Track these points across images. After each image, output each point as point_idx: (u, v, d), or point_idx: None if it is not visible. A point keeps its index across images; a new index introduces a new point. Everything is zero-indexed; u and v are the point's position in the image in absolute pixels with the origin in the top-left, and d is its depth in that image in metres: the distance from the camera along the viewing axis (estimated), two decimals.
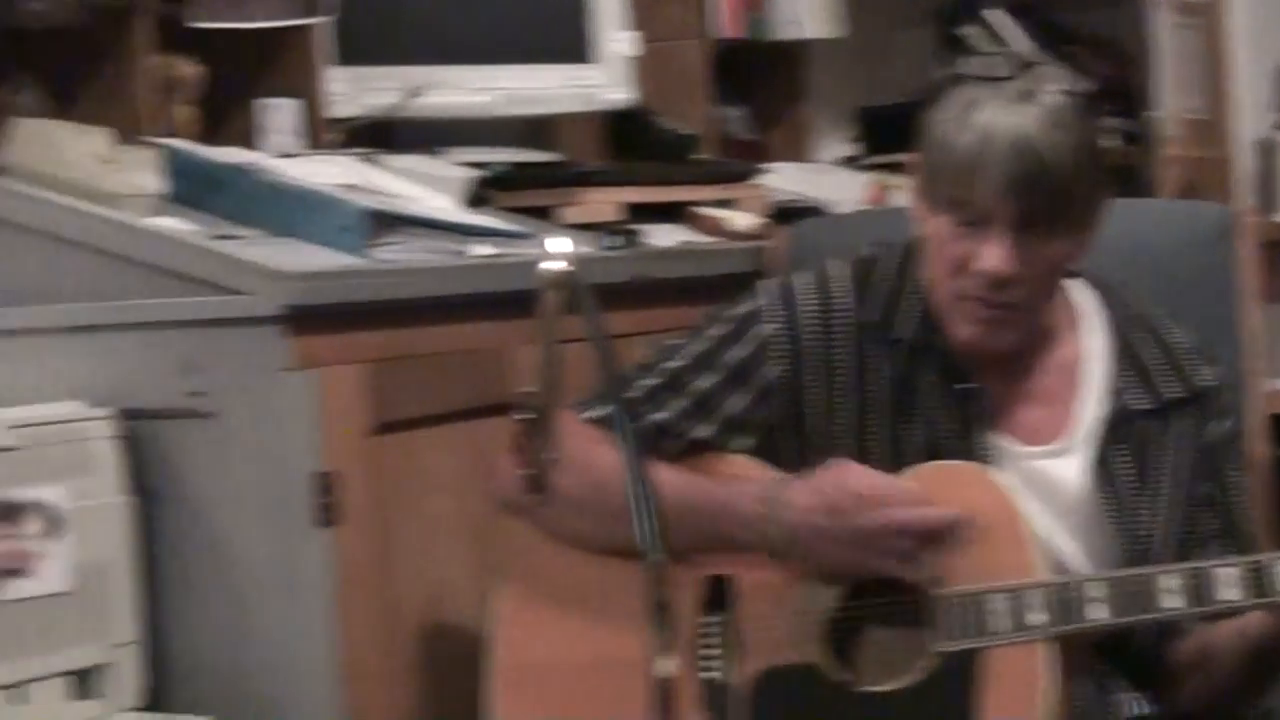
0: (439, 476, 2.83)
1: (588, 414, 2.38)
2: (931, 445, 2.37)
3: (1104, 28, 4.83)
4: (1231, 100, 4.77)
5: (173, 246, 2.77)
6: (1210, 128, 4.71)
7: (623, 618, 2.29)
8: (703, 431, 2.42)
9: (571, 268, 1.99)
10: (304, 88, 3.35)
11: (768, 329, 2.43)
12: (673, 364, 2.45)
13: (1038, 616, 2.23)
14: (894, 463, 2.36)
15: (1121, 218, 2.43)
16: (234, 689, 2.74)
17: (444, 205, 3.15)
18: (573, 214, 3.34)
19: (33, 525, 2.62)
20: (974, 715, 2.22)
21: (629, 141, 3.85)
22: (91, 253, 2.82)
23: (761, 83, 4.53)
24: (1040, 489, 2.36)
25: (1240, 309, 2.76)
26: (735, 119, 4.45)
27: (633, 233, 3.29)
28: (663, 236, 3.38)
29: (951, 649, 2.25)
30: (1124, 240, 2.54)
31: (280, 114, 3.29)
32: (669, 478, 2.28)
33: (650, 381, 2.44)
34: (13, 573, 2.59)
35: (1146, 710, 2.39)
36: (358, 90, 3.40)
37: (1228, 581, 2.21)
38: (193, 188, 2.95)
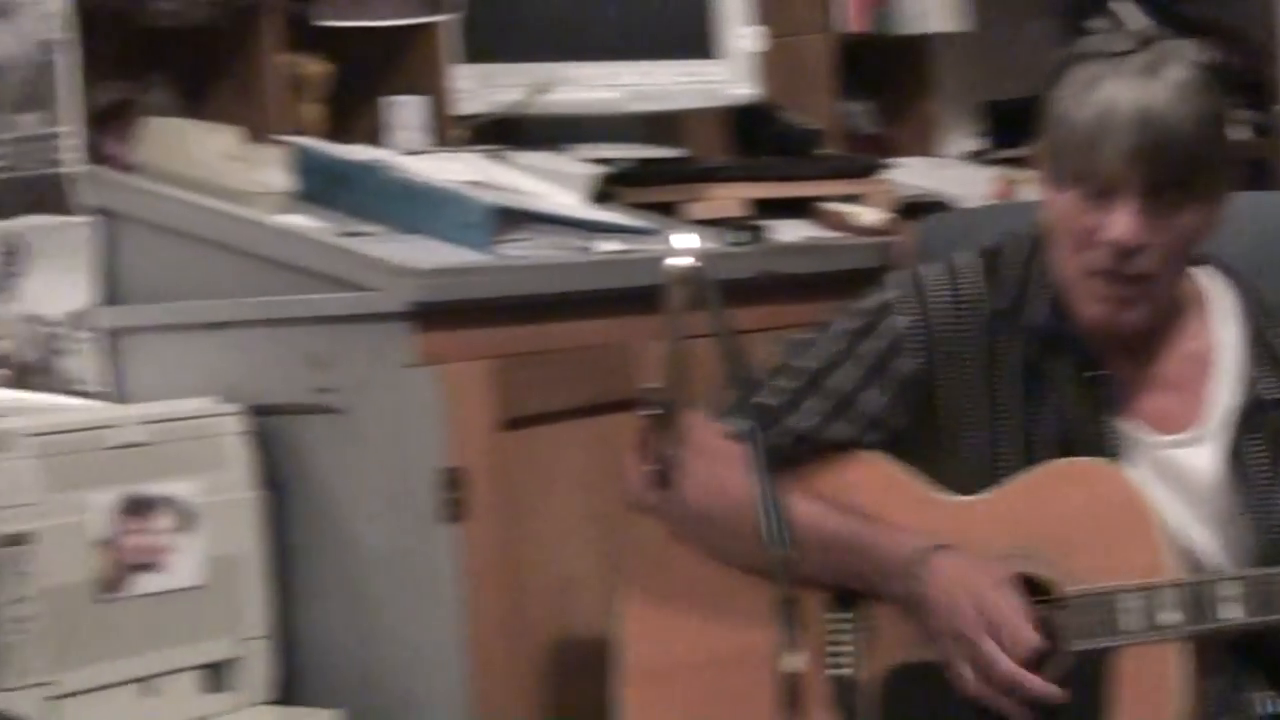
0: (565, 472, 2.84)
1: (723, 425, 2.36)
2: (1062, 434, 2.35)
3: (1233, 19, 4.77)
4: None
5: (301, 243, 2.79)
6: None
7: (751, 613, 2.28)
8: (842, 433, 2.41)
9: (697, 263, 1.98)
10: (430, 85, 3.37)
11: (901, 321, 2.42)
12: (807, 363, 2.43)
13: (1171, 616, 2.21)
14: (1025, 452, 2.34)
15: (1251, 210, 2.40)
16: (363, 683, 2.75)
17: (569, 201, 3.15)
18: (698, 210, 3.34)
19: (164, 520, 2.64)
20: (1106, 715, 2.20)
21: (754, 137, 3.84)
22: (221, 250, 2.84)
23: (887, 77, 4.50)
24: (1172, 478, 2.33)
25: None
26: (861, 114, 4.43)
27: (758, 228, 3.28)
28: (788, 232, 3.37)
29: (1084, 648, 2.23)
30: (1254, 232, 2.51)
31: (407, 111, 3.31)
32: (808, 510, 2.27)
33: (785, 383, 2.42)
34: (145, 567, 2.62)
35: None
36: (484, 87, 3.41)
37: None
38: (321, 185, 2.97)
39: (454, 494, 2.68)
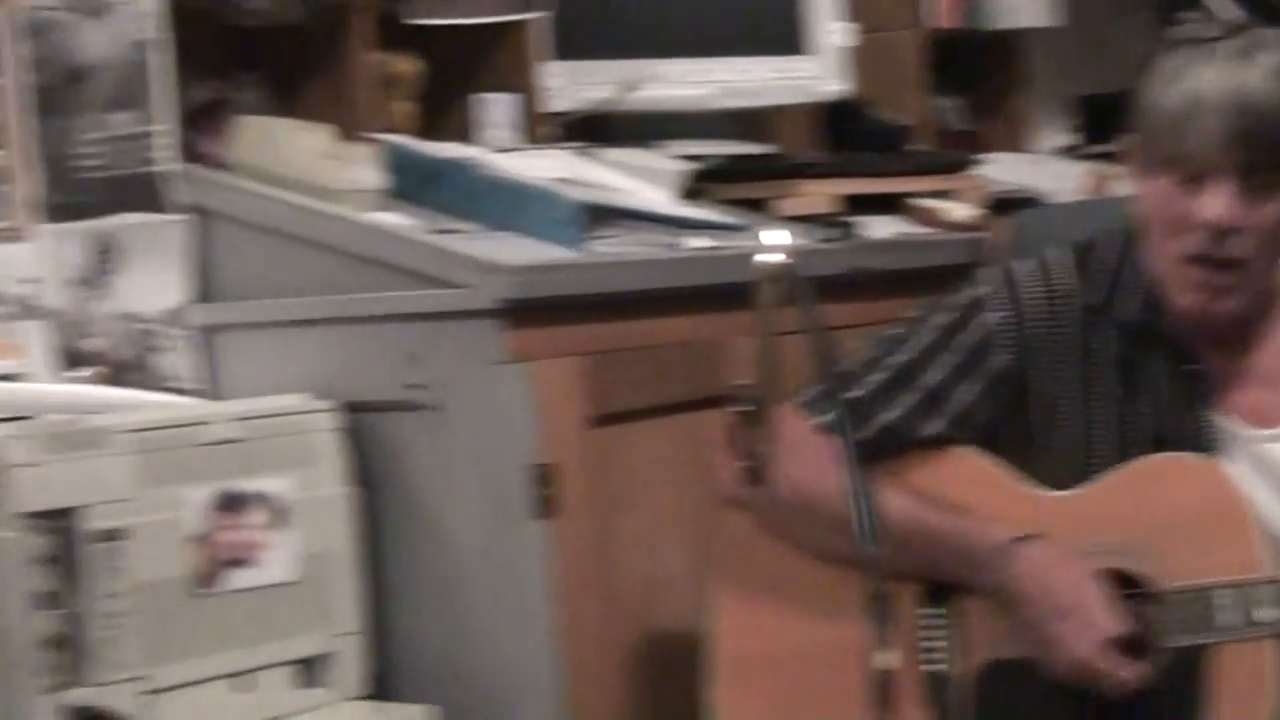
0: (656, 469, 2.84)
1: (813, 418, 2.36)
2: (1157, 429, 2.34)
3: None
4: None
5: (393, 241, 2.80)
6: None
7: (843, 609, 2.28)
8: (933, 427, 2.40)
9: (788, 260, 1.98)
10: (521, 82, 3.37)
11: (993, 317, 2.41)
12: (898, 358, 2.43)
13: (1268, 612, 2.19)
14: (1119, 447, 2.33)
15: None
16: (455, 678, 2.76)
17: (659, 198, 3.15)
18: (788, 206, 3.33)
19: (258, 516, 2.66)
20: (1201, 711, 2.18)
21: (844, 133, 3.84)
22: (313, 248, 2.86)
23: (978, 72, 4.48)
24: (1268, 473, 2.31)
25: None
26: (951, 109, 4.41)
27: (849, 224, 3.27)
28: (879, 228, 3.36)
29: (1179, 644, 2.22)
30: None
31: (497, 109, 3.31)
32: (899, 502, 2.27)
33: (876, 377, 2.42)
34: (238, 563, 2.63)
35: None
36: (574, 84, 3.42)
37: None
38: (412, 183, 2.98)
39: (545, 490, 2.69)
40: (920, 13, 4.18)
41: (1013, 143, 4.43)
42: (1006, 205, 3.49)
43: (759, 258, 1.98)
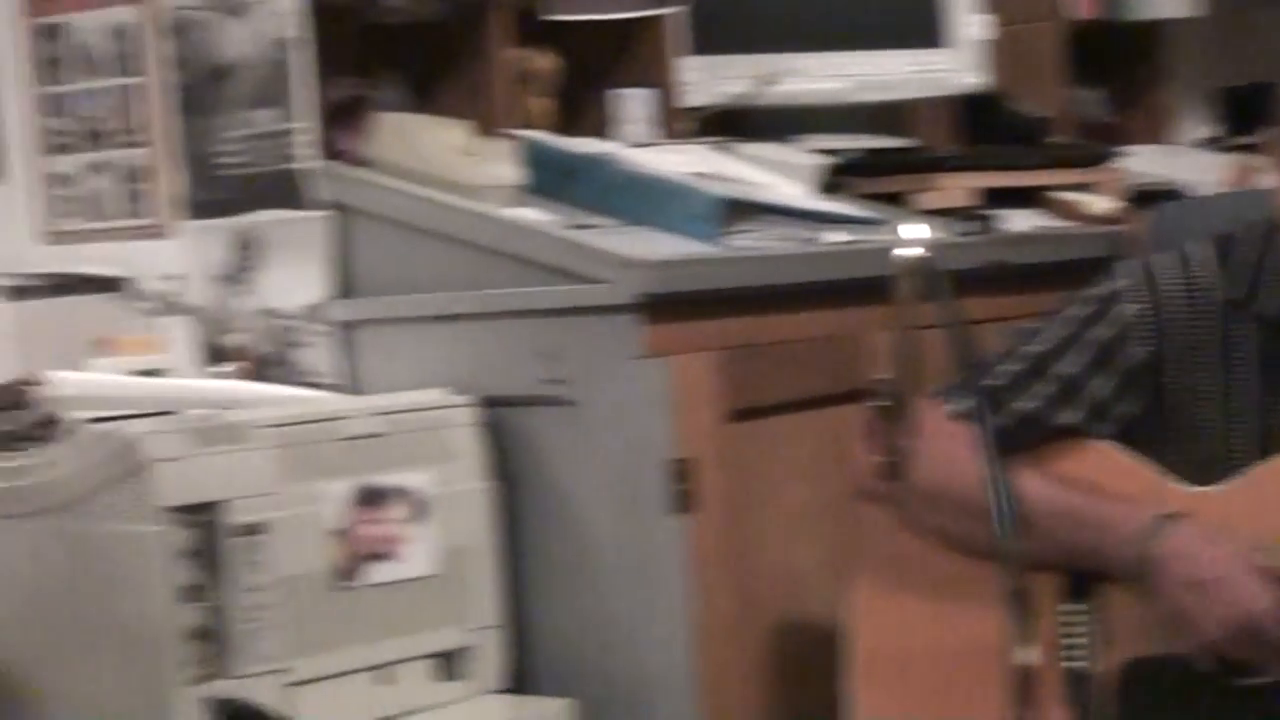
0: (793, 464, 2.83)
1: (949, 405, 2.35)
2: None
3: None
4: None
5: (530, 236, 2.81)
6: None
7: (983, 605, 2.25)
8: (1068, 418, 2.38)
9: (926, 254, 1.97)
10: (657, 78, 3.38)
11: (1130, 310, 2.39)
12: (1034, 348, 2.41)
13: None
14: (1261, 444, 2.30)
15: None
16: (593, 673, 2.77)
17: (797, 192, 3.15)
18: (926, 200, 3.32)
19: (398, 510, 2.68)
20: None
21: (983, 126, 3.81)
22: (452, 243, 2.87)
23: (1119, 64, 4.44)
24: None
25: None
26: (1091, 101, 4.37)
27: (987, 218, 3.25)
28: (1018, 221, 3.34)
29: None
30: None
31: (634, 104, 3.32)
32: (1038, 485, 2.25)
33: (1012, 368, 2.40)
34: (378, 556, 2.65)
35: None
36: (710, 79, 3.42)
37: None
38: (549, 178, 2.99)
39: (682, 485, 2.69)
40: (1059, 4, 4.15)
41: (1153, 135, 4.38)
42: (1147, 198, 3.46)
43: (897, 252, 1.97)
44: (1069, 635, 2.31)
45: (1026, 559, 1.91)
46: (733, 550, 2.75)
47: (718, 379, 2.74)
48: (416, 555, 2.69)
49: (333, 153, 3.02)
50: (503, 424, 2.82)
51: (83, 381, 2.83)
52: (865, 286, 2.38)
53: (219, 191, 3.06)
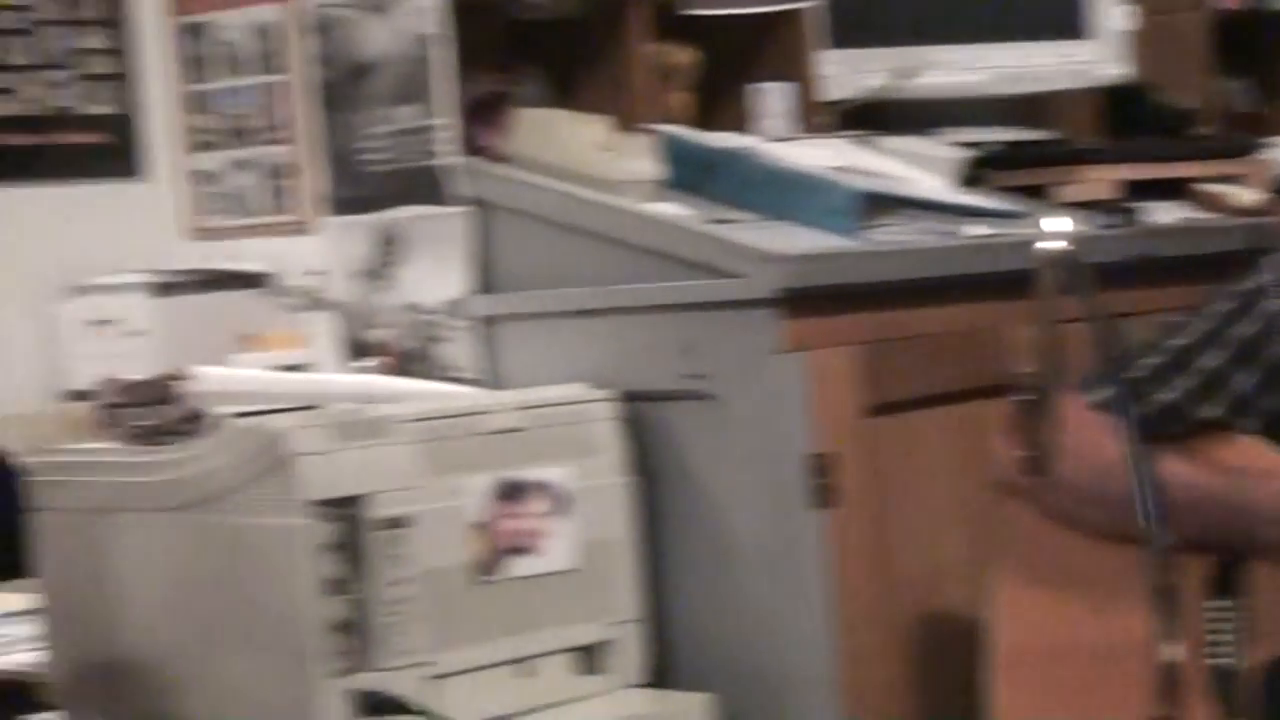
0: (934, 458, 2.82)
1: (1090, 396, 2.34)
2: None
3: None
4: None
5: (670, 231, 2.81)
6: None
7: (1127, 601, 2.24)
8: (1210, 411, 2.36)
9: (1069, 247, 1.96)
10: (796, 71, 3.37)
11: (1275, 305, 2.36)
12: (1177, 342, 2.39)
13: None
14: None
15: None
16: (734, 667, 2.77)
17: (937, 186, 3.13)
18: (1069, 192, 3.29)
19: (539, 505, 2.69)
20: None
21: (1126, 117, 3.78)
22: (592, 238, 2.88)
23: (1266, 53, 4.39)
24: None
25: None
26: (1237, 92, 4.32)
27: (1131, 210, 3.22)
28: (1163, 214, 3.30)
29: None
30: None
31: (773, 98, 3.32)
32: (1183, 468, 2.23)
33: (1155, 361, 2.39)
34: (519, 550, 2.66)
35: None
36: (850, 72, 3.41)
37: None
38: (689, 173, 3.00)
39: (823, 480, 2.68)
40: None
41: None
42: None
43: (1039, 245, 1.96)
44: (1215, 632, 2.29)
45: (1175, 545, 1.89)
46: (873, 545, 2.74)
47: (857, 373, 2.73)
48: (557, 549, 2.70)
49: (473, 148, 3.03)
50: (642, 419, 2.82)
51: (227, 377, 2.86)
52: (1006, 280, 2.37)
53: (361, 188, 3.09)
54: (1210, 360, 2.36)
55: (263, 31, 3.22)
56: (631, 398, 2.82)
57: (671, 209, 2.87)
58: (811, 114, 3.36)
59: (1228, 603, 2.30)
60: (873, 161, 3.14)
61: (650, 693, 2.78)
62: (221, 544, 2.58)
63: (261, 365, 3.01)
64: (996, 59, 3.57)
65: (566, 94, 3.27)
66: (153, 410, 2.71)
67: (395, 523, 2.54)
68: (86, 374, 3.04)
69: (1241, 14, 4.21)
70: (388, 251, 3.07)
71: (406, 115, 3.03)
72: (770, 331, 2.70)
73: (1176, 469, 2.20)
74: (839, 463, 2.69)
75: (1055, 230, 1.97)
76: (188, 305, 3.24)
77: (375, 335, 3.10)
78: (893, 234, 2.85)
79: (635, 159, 2.96)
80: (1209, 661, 2.27)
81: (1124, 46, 3.68)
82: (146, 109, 3.40)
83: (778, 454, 2.71)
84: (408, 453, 2.57)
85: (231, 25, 3.26)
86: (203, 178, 3.33)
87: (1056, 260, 1.95)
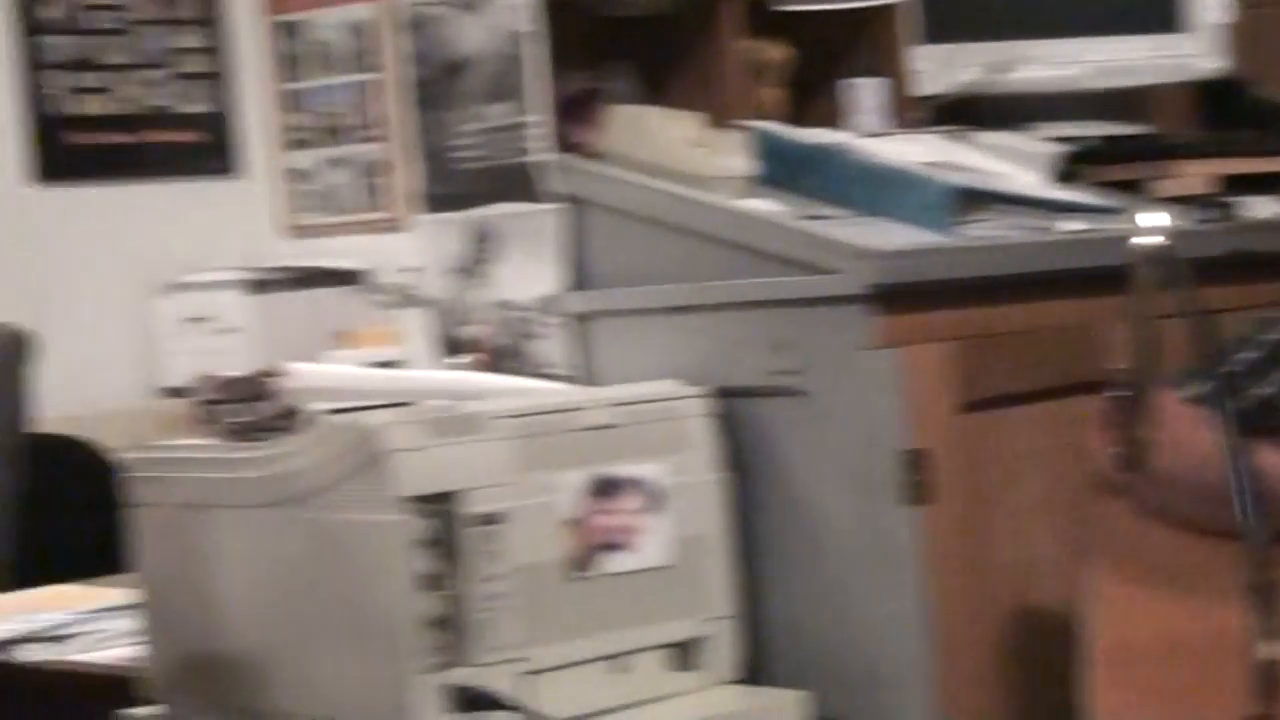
0: (1029, 455, 2.81)
1: (1185, 391, 2.32)
2: None
3: None
4: None
5: (763, 227, 2.81)
6: None
7: (1226, 598, 2.23)
8: None
9: (1166, 242, 1.94)
10: (890, 67, 3.36)
11: None
12: (1274, 336, 2.37)
13: None
14: None
15: None
16: (828, 664, 2.76)
17: (1032, 181, 3.11)
18: (1165, 187, 3.26)
19: (632, 501, 2.69)
20: None
21: (1223, 111, 3.75)
22: (684, 235, 2.88)
23: None
24: None
25: None
26: None
27: (1229, 205, 3.20)
28: (1259, 208, 3.27)
29: None
30: None
31: (866, 93, 3.31)
32: (1277, 459, 2.21)
33: (1251, 355, 2.37)
34: (613, 546, 2.67)
35: None
36: (943, 67, 3.40)
37: None
38: (782, 169, 2.99)
39: (916, 476, 2.67)
40: None
41: None
42: None
43: (1136, 240, 1.95)
44: None
45: (1272, 539, 1.88)
46: (968, 541, 2.73)
47: (951, 370, 2.72)
48: (650, 545, 2.70)
49: (566, 145, 3.04)
50: (735, 415, 2.82)
51: (322, 373, 2.88)
52: (1102, 276, 2.36)
53: (454, 185, 3.10)
54: None
55: (357, 30, 3.24)
56: (724, 394, 2.82)
57: (764, 205, 2.86)
58: (905, 109, 3.35)
59: None
60: (967, 157, 3.13)
61: (744, 689, 2.78)
62: (316, 540, 2.59)
63: (355, 362, 3.03)
64: (1091, 53, 3.55)
65: (659, 90, 3.27)
66: (248, 407, 2.73)
67: (489, 519, 2.55)
68: (182, 370, 3.07)
69: None
70: (481, 248, 3.08)
71: (499, 112, 3.03)
72: (863, 328, 2.69)
73: (1274, 463, 2.18)
74: (932, 459, 2.69)
75: (1151, 225, 1.96)
76: (282, 302, 3.26)
77: (468, 332, 3.11)
78: (987, 230, 2.84)
79: (728, 155, 2.96)
80: None
81: (1220, 40, 3.65)
82: (242, 107, 3.43)
83: (870, 450, 2.71)
84: (501, 449, 2.58)
85: (326, 24, 3.28)
86: (297, 175, 3.36)
87: (1152, 256, 1.94)
